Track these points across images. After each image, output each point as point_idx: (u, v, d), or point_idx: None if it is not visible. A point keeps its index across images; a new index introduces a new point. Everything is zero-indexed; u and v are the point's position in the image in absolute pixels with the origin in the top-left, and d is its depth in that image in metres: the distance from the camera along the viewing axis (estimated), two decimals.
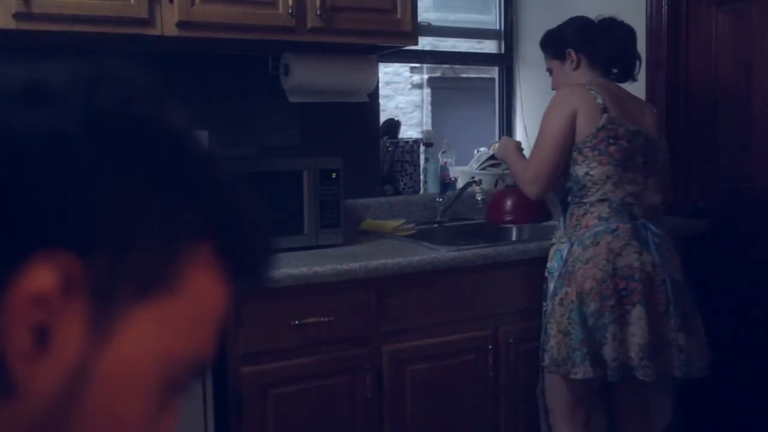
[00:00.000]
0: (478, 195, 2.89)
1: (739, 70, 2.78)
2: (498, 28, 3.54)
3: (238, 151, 2.55)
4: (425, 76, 8.39)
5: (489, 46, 3.67)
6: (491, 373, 2.44)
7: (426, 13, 3.41)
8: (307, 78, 2.66)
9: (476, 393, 2.43)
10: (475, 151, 3.32)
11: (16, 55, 0.48)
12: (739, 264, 2.78)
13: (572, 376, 2.17)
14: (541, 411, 2.39)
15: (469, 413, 2.42)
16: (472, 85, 7.51)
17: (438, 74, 8.38)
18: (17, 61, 0.46)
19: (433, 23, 3.35)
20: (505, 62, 3.52)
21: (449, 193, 3.05)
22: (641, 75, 2.97)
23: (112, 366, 0.44)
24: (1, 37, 2.12)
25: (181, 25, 2.23)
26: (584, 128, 2.22)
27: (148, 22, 2.19)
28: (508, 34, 3.50)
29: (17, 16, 2.04)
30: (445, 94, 8.25)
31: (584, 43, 2.35)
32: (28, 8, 2.04)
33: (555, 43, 2.42)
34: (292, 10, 2.36)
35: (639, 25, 2.98)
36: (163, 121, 0.48)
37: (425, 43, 3.38)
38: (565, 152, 2.24)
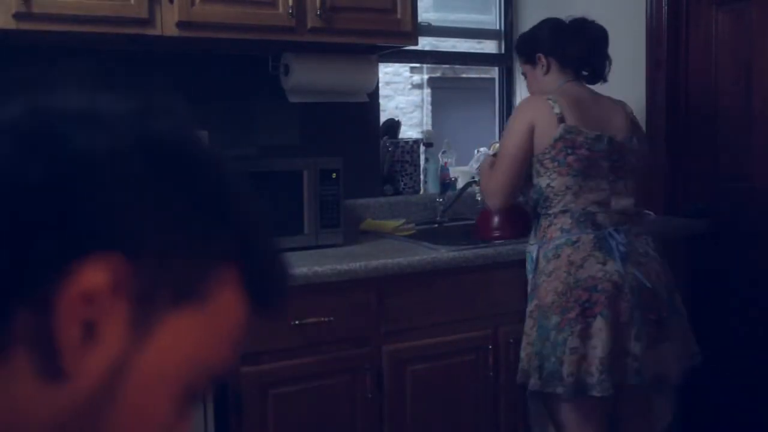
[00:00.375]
0: (478, 195, 2.90)
1: (739, 70, 2.77)
2: (498, 28, 3.54)
3: (238, 151, 2.55)
4: (425, 76, 8.40)
5: (489, 46, 3.67)
6: (491, 373, 2.44)
7: (426, 13, 3.41)
8: (307, 78, 2.66)
9: (476, 393, 2.43)
10: (475, 151, 3.32)
11: (16, 55, 0.49)
12: (739, 264, 2.78)
13: (530, 388, 2.19)
14: (530, 414, 2.35)
15: (469, 413, 2.42)
16: (472, 85, 7.52)
17: (438, 74, 8.39)
18: (24, 64, 0.48)
19: (433, 23, 3.35)
20: (505, 62, 3.52)
21: (449, 193, 3.05)
22: (641, 75, 2.99)
23: (147, 366, 0.47)
24: (1, 37, 2.12)
25: (181, 25, 2.23)
26: (542, 140, 2.21)
27: (148, 22, 2.19)
28: (508, 34, 3.50)
29: (17, 16, 2.04)
30: (445, 94, 8.26)
31: (555, 46, 2.33)
32: (28, 8, 2.03)
33: (526, 48, 2.42)
34: (292, 10, 2.36)
35: (639, 25, 2.99)
36: (204, 151, 0.52)
37: (425, 43, 3.38)
38: (524, 165, 2.24)
